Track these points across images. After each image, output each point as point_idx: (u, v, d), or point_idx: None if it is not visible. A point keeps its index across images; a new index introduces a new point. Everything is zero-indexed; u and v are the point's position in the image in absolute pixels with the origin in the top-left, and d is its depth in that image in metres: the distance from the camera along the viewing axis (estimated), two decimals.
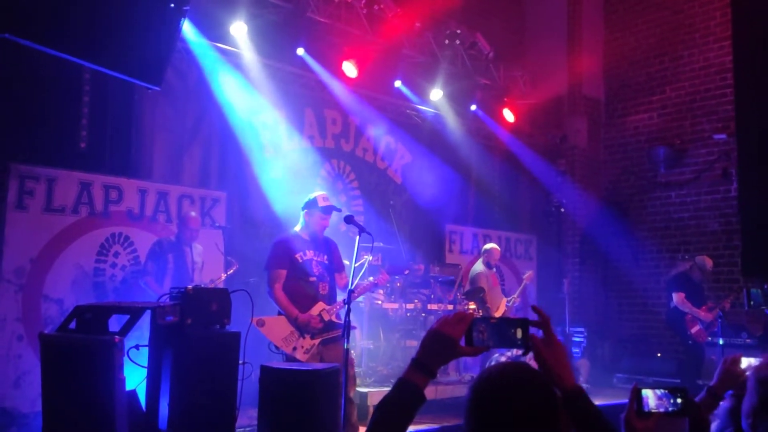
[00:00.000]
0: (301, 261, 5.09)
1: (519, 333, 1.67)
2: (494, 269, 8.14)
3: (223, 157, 7.36)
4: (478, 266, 8.05)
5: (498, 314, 7.50)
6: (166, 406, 3.92)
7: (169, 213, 6.79)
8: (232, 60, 7.19)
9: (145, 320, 4.10)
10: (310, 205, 5.20)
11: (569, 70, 10.81)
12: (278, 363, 4.66)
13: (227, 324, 4.35)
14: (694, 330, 7.62)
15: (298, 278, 5.07)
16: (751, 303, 2.25)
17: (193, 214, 6.39)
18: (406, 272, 5.78)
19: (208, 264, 6.50)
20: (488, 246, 8.18)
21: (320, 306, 5.05)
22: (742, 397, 1.97)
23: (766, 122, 8.32)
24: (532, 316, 1.75)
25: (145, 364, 4.06)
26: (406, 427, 1.59)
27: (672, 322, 8.00)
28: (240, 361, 4.33)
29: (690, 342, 7.70)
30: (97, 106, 6.44)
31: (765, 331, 7.94)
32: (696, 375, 7.51)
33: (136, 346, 4.10)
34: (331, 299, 5.17)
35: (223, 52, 7.09)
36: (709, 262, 7.94)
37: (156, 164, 6.93)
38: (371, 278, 5.46)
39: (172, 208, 6.81)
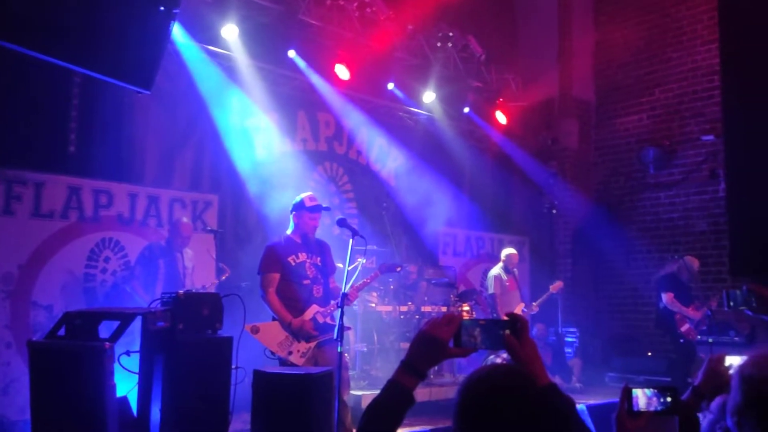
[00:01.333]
0: (294, 264, 5.07)
1: (507, 334, 1.68)
2: (513, 273, 8.17)
3: (214, 160, 7.33)
4: (496, 270, 8.10)
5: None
6: (157, 412, 3.91)
7: (160, 217, 6.76)
8: (223, 62, 7.18)
9: (137, 326, 4.09)
10: (298, 207, 5.19)
11: (560, 72, 10.85)
12: (271, 367, 4.64)
13: (219, 329, 4.35)
14: (684, 328, 7.68)
15: (291, 281, 5.05)
16: (731, 304, 2.27)
17: (185, 219, 6.36)
18: (398, 269, 5.76)
19: (199, 269, 6.47)
20: (508, 251, 8.25)
21: (314, 309, 5.04)
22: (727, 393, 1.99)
23: (752, 123, 8.37)
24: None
25: (137, 370, 4.05)
26: (395, 429, 1.59)
27: (662, 322, 8.05)
28: (233, 366, 4.32)
29: (681, 341, 7.75)
30: (87, 110, 6.40)
31: (752, 330, 8.01)
32: (686, 373, 7.56)
33: (127, 352, 4.09)
34: (325, 301, 5.15)
35: (213, 54, 7.07)
36: (695, 263, 8.01)
37: (147, 168, 6.90)
38: (364, 280, 5.47)
39: (163, 212, 6.79)
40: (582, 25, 11.01)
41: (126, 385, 4.14)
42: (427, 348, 1.65)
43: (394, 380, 1.63)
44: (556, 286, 8.35)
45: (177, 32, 6.56)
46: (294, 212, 5.21)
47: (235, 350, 4.32)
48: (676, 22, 10.21)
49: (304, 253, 5.13)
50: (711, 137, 9.63)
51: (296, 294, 5.03)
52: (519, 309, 7.82)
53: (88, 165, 6.39)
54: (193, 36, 6.78)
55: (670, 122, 10.22)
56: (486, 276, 8.44)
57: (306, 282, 5.07)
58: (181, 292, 4.29)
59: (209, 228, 6.75)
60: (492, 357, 6.91)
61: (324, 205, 5.28)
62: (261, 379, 4.15)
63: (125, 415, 3.93)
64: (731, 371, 2.10)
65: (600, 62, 11.08)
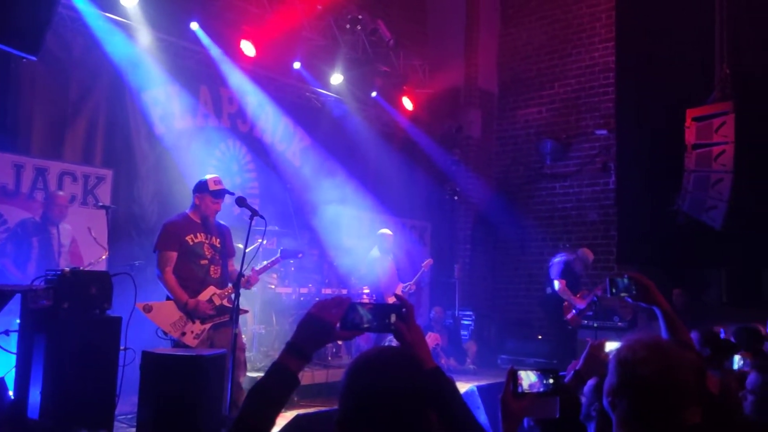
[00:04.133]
0: (192, 243, 4.95)
1: (393, 318, 1.71)
2: (389, 255, 8.21)
3: (109, 132, 7.00)
4: (374, 252, 8.11)
5: (392, 299, 7.60)
6: (38, 395, 3.75)
7: (48, 190, 6.39)
8: (122, 31, 6.85)
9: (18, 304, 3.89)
10: (201, 188, 5.05)
11: (466, 62, 11.08)
12: (161, 349, 4.52)
13: (108, 308, 4.20)
14: (569, 316, 8.07)
15: (188, 261, 4.93)
16: (613, 291, 2.42)
17: (60, 192, 6.08)
18: (300, 256, 5.74)
19: (85, 246, 6.17)
20: (382, 231, 8.24)
21: (211, 290, 4.95)
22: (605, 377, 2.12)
23: (643, 119, 8.89)
24: (424, 302, 1.80)
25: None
26: (278, 411, 1.59)
27: (547, 307, 8.43)
28: (121, 347, 4.19)
29: (563, 326, 8.14)
30: None
31: (634, 315, 8.53)
32: (571, 356, 7.95)
33: (6, 332, 3.89)
34: (222, 283, 5.07)
35: (112, 22, 6.73)
36: (590, 256, 8.44)
37: (34, 138, 6.50)
38: (265, 262, 5.41)
39: (52, 185, 6.43)
40: (489, 17, 11.27)
41: (5, 366, 3.94)
42: (314, 330, 1.64)
43: (279, 362, 1.62)
44: (426, 264, 8.50)
45: None
46: (196, 193, 5.08)
47: (125, 331, 4.18)
48: (576, 19, 10.62)
49: (202, 233, 5.02)
50: (604, 132, 10.12)
51: (193, 274, 4.93)
52: (399, 289, 7.93)
53: None
54: (90, 1, 6.41)
55: (567, 116, 10.65)
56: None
57: (203, 262, 4.97)
58: (67, 269, 4.11)
59: (101, 204, 6.44)
60: (390, 337, 7.02)
61: (229, 190, 5.17)
62: (150, 360, 4.05)
63: (1, 396, 3.73)
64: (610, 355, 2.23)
65: (504, 54, 11.38)
